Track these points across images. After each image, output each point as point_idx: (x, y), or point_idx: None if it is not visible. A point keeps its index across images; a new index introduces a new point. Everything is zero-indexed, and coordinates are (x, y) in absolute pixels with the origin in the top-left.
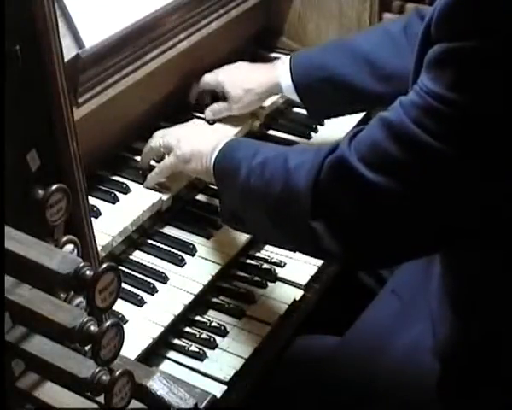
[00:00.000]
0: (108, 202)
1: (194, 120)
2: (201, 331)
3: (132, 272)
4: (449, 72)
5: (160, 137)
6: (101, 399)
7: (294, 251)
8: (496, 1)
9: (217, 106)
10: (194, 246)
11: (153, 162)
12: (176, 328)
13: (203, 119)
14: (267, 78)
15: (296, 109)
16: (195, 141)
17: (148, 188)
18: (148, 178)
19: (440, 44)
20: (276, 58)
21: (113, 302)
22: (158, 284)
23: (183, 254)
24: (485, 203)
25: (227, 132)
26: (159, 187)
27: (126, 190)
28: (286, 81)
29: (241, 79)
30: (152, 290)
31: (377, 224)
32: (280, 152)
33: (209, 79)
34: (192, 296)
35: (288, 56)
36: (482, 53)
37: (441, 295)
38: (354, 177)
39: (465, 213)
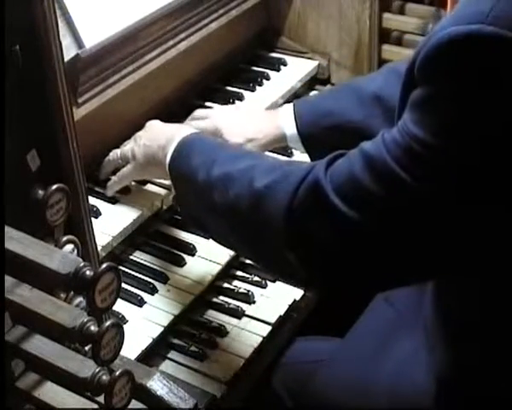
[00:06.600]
0: (108, 202)
1: (149, 123)
2: (201, 331)
3: (132, 272)
4: (431, 117)
5: (118, 149)
6: (101, 399)
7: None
8: (478, 48)
9: None
10: (194, 246)
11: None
12: (176, 328)
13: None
14: (272, 127)
15: None
16: (148, 145)
17: (110, 194)
18: (108, 186)
19: (424, 87)
20: (275, 58)
21: (113, 302)
22: (158, 284)
23: (182, 255)
24: (456, 245)
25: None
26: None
27: (126, 190)
28: (290, 131)
29: (242, 127)
30: (152, 290)
31: (351, 256)
32: (243, 169)
33: (204, 125)
34: (192, 296)
35: (291, 104)
36: (465, 101)
37: (435, 316)
38: (328, 208)
39: (437, 251)
